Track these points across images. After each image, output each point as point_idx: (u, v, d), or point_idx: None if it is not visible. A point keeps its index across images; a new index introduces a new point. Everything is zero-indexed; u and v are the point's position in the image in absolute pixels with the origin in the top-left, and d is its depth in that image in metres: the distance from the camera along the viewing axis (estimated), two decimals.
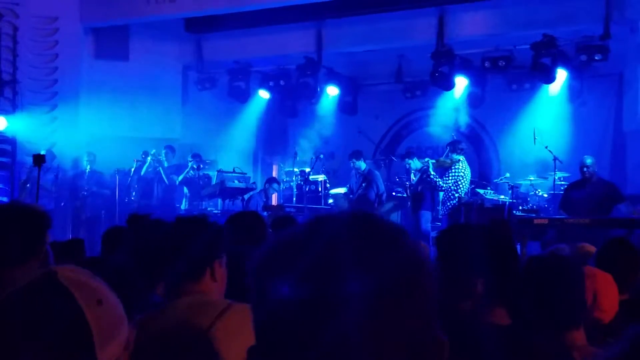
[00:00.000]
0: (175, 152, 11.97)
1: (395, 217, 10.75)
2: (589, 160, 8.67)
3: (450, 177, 9.51)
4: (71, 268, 1.22)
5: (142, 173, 11.42)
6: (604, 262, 3.44)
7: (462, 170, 9.56)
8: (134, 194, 11.38)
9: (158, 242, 2.33)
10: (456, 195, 9.47)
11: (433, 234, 10.23)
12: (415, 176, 10.15)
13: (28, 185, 10.01)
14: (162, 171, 11.50)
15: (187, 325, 2.07)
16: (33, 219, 2.34)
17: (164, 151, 11.70)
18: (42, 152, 10.19)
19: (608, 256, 3.55)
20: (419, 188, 10.01)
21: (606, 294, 2.90)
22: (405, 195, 10.78)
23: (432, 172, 9.53)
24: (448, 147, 9.86)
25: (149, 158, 11.43)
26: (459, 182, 9.51)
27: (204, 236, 2.29)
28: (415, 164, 10.19)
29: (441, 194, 9.80)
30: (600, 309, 2.84)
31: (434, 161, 9.70)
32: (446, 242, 2.08)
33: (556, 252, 4.46)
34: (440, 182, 9.50)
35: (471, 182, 10.32)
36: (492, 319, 1.92)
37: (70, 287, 1.15)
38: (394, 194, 11.05)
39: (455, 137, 10.41)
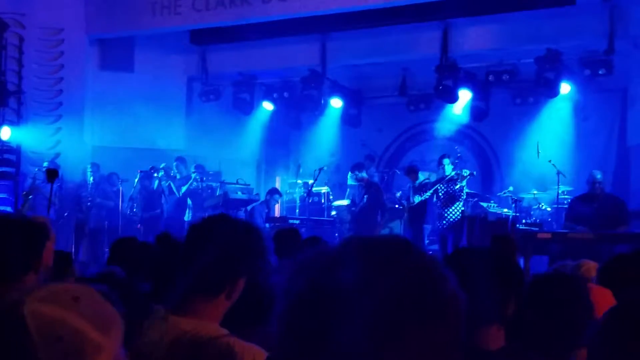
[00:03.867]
0: (186, 163, 11.94)
1: (398, 229, 10.73)
2: (599, 175, 8.55)
3: (461, 191, 9.53)
4: (54, 290, 1.17)
5: (154, 187, 11.39)
6: (608, 279, 3.42)
7: (466, 184, 9.62)
8: (135, 205, 11.35)
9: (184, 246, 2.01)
10: (461, 208, 9.47)
11: (434, 247, 10.21)
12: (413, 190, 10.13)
13: (30, 197, 10.01)
14: (172, 184, 11.49)
15: None
16: (32, 231, 2.32)
17: (175, 163, 11.70)
18: (48, 166, 10.28)
19: (611, 272, 3.53)
20: (418, 201, 10.01)
21: (604, 308, 2.89)
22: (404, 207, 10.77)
23: (461, 185, 9.48)
24: (446, 160, 9.82)
25: (161, 173, 11.38)
26: (463, 196, 9.55)
27: (237, 241, 1.94)
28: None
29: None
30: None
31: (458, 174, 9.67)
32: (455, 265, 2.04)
33: (561, 269, 4.43)
34: (452, 195, 9.53)
35: (474, 195, 10.31)
36: (487, 342, 1.89)
37: (30, 321, 1.11)
38: (397, 206, 11.03)
39: (458, 151, 10.42)
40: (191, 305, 1.94)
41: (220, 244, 1.93)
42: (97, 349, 1.16)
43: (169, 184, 11.49)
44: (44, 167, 10.40)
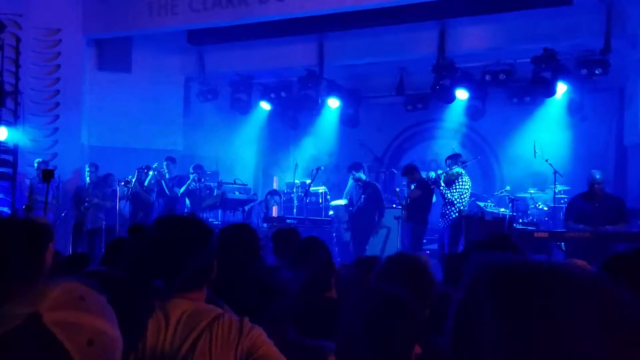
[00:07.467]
0: (176, 162, 11.97)
1: (395, 228, 10.72)
2: (598, 176, 8.42)
3: (455, 190, 9.50)
4: (57, 294, 1.09)
5: (145, 184, 11.37)
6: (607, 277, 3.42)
7: (467, 184, 9.58)
8: (127, 203, 11.26)
9: (157, 248, 2.18)
10: (460, 207, 9.46)
11: (433, 246, 10.22)
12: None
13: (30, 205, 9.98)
14: (164, 183, 11.49)
15: (182, 336, 2.07)
16: (35, 233, 2.32)
17: (165, 163, 11.70)
18: (40, 165, 10.26)
19: (611, 271, 3.54)
20: (415, 199, 9.98)
21: None
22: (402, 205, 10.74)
23: (443, 185, 9.49)
24: (449, 160, 9.85)
25: (151, 172, 11.38)
26: (463, 195, 9.52)
27: (207, 239, 2.23)
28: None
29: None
30: None
31: (444, 173, 9.65)
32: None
33: None
34: (448, 195, 9.49)
35: (472, 195, 10.30)
36: None
37: (57, 332, 1.04)
38: (394, 206, 11.03)
39: (455, 150, 10.41)
40: (185, 295, 2.17)
41: (196, 243, 2.19)
42: (115, 342, 1.13)
43: (161, 182, 11.48)
44: (36, 164, 10.41)
